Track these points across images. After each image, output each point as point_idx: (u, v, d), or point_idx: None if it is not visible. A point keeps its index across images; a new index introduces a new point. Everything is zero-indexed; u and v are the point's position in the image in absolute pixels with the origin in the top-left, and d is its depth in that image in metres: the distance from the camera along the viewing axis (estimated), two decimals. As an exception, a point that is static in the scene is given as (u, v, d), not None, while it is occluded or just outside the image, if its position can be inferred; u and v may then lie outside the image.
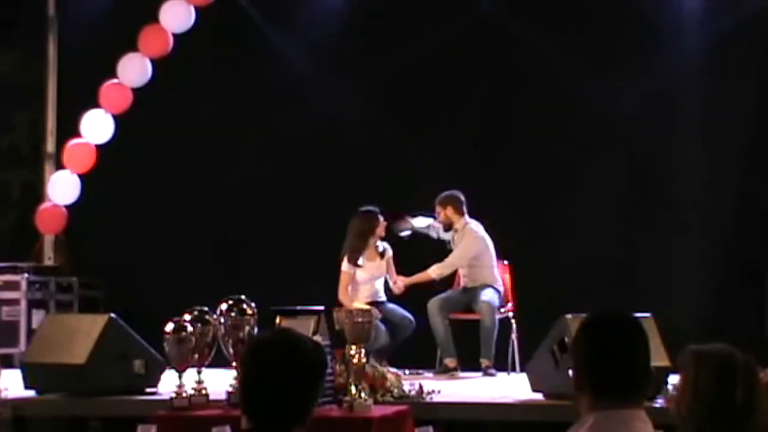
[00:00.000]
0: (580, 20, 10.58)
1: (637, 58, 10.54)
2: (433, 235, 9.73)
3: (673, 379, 5.95)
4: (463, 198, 9.55)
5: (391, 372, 6.91)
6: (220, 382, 6.28)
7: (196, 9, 10.87)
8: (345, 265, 9.37)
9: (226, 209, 11.18)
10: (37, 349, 7.59)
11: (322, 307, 6.13)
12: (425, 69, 10.70)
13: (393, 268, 9.46)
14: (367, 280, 9.40)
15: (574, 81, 10.55)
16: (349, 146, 10.86)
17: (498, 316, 9.34)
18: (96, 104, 10.89)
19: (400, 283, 9.41)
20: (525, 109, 10.68)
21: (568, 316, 6.82)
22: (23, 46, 11.72)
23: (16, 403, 7.02)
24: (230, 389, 6.16)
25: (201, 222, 11.12)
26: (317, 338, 5.62)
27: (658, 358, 6.33)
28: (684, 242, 10.42)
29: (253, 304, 6.14)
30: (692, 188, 10.48)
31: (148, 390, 7.28)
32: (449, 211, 9.55)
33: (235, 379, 6.05)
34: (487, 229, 9.53)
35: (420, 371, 9.00)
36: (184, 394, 6.15)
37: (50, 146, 11.59)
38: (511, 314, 9.56)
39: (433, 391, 7.00)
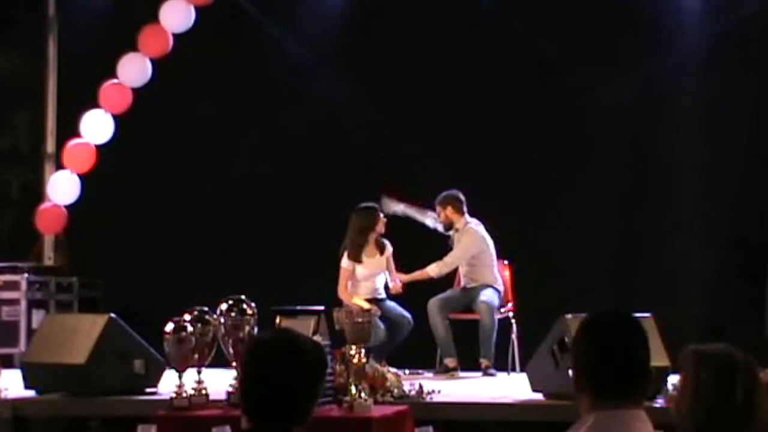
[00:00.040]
0: (580, 20, 10.58)
1: (637, 57, 10.54)
2: (429, 223, 9.72)
3: (673, 379, 5.96)
4: (462, 198, 9.55)
5: (391, 372, 6.91)
6: (220, 382, 6.28)
7: (196, 9, 10.87)
8: (344, 261, 9.37)
9: (226, 209, 11.19)
10: (37, 349, 7.59)
11: (322, 307, 6.13)
12: (425, 68, 10.70)
13: (392, 266, 9.46)
14: (367, 276, 9.40)
15: (574, 81, 10.56)
16: (349, 146, 10.86)
17: (498, 316, 9.34)
18: (96, 104, 10.89)
19: (398, 282, 9.41)
20: (525, 109, 10.68)
21: (568, 316, 6.82)
22: (23, 46, 11.72)
23: (16, 403, 7.02)
24: (230, 389, 6.16)
25: (201, 222, 11.12)
26: (317, 338, 5.62)
27: (658, 358, 6.34)
28: (684, 242, 10.42)
29: (253, 304, 6.14)
30: (692, 188, 10.48)
31: (148, 390, 7.28)
32: (449, 210, 9.55)
33: (235, 379, 6.05)
34: (487, 229, 9.53)
35: (420, 371, 9.00)
36: (184, 394, 6.15)
37: (50, 146, 11.59)
38: (511, 314, 9.56)
39: (433, 391, 7.00)
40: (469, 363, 9.21)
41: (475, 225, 9.53)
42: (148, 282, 10.74)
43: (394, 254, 9.46)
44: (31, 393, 7.33)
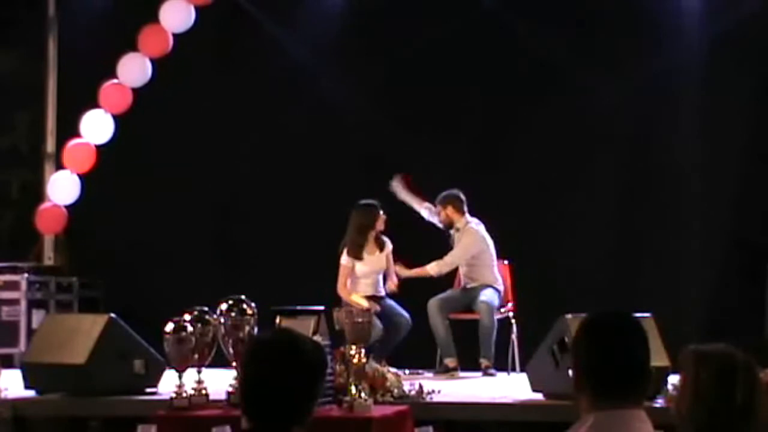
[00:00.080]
0: (580, 20, 10.58)
1: (637, 57, 10.54)
2: (425, 215, 9.72)
3: (673, 379, 5.96)
4: (463, 197, 9.56)
5: (391, 372, 6.91)
6: (220, 382, 6.28)
7: (196, 9, 10.87)
8: (344, 258, 9.37)
9: (226, 209, 11.19)
10: (37, 349, 7.59)
11: (322, 307, 6.13)
12: (425, 68, 10.71)
13: (392, 263, 9.46)
14: (367, 273, 9.40)
15: (574, 80, 10.56)
16: (349, 146, 10.86)
17: (498, 316, 9.34)
18: (96, 104, 10.89)
19: (396, 281, 9.40)
20: (525, 109, 10.67)
21: (568, 316, 6.82)
22: (23, 46, 11.72)
23: (16, 403, 7.02)
24: (230, 389, 6.16)
25: (201, 222, 11.12)
26: (317, 338, 5.62)
27: (658, 358, 6.34)
28: (684, 242, 10.42)
29: (253, 304, 6.14)
30: (692, 188, 10.48)
31: (148, 390, 7.29)
32: (449, 210, 9.56)
33: (235, 379, 6.05)
34: (487, 229, 9.54)
35: (420, 371, 9.00)
36: (184, 394, 6.14)
37: (50, 146, 11.60)
38: (511, 314, 9.56)
39: (433, 391, 7.00)
40: (469, 363, 9.21)
41: (476, 225, 9.53)
42: (148, 282, 10.74)
43: (394, 252, 9.46)
44: (31, 393, 7.33)
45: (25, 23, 11.69)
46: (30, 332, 10.02)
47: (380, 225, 9.40)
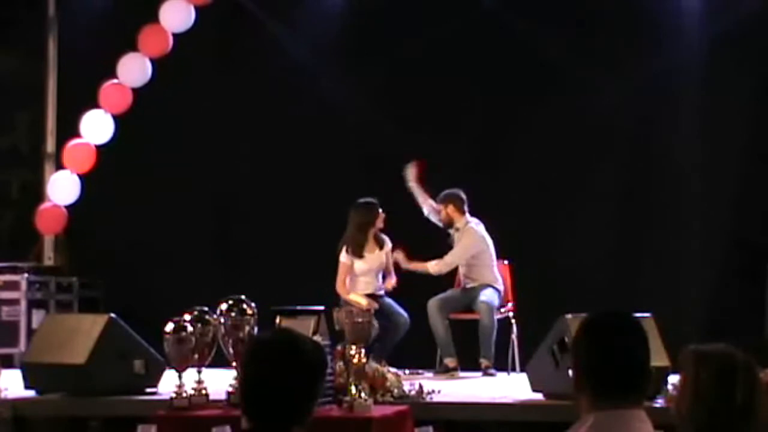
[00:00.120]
0: (580, 19, 10.58)
1: (637, 57, 10.54)
2: (425, 210, 9.72)
3: (673, 379, 5.96)
4: (464, 197, 9.56)
5: (391, 372, 6.91)
6: (220, 382, 6.28)
7: (196, 9, 10.87)
8: (343, 256, 9.38)
9: (226, 209, 11.19)
10: (37, 349, 7.59)
11: (322, 307, 6.13)
12: (425, 68, 10.70)
13: (391, 262, 9.46)
14: (366, 272, 9.40)
15: (574, 80, 10.56)
16: (349, 146, 10.87)
17: (498, 316, 9.34)
18: (96, 104, 10.89)
19: (394, 279, 9.39)
20: (525, 109, 10.67)
21: (568, 316, 6.82)
22: (23, 46, 11.72)
23: (16, 403, 7.03)
24: (230, 389, 6.16)
25: (201, 222, 11.12)
26: (317, 338, 5.62)
27: (658, 358, 6.34)
28: (684, 242, 10.42)
29: (253, 304, 6.14)
30: (692, 188, 10.48)
31: (148, 390, 7.29)
32: (450, 209, 9.56)
33: (235, 379, 6.05)
34: (487, 229, 9.54)
35: (420, 371, 9.00)
36: (184, 394, 6.14)
37: (50, 146, 11.60)
38: (511, 314, 9.56)
39: (433, 391, 7.00)
40: (469, 363, 9.21)
41: (476, 225, 9.53)
42: (148, 282, 10.74)
43: (394, 243, 9.46)
44: (31, 393, 7.33)
45: (25, 23, 11.69)
46: (30, 332, 10.03)
47: (380, 223, 9.41)
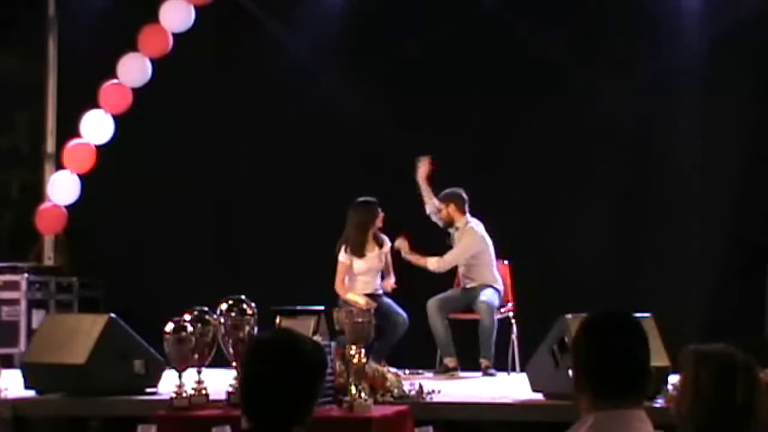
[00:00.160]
0: (580, 19, 10.58)
1: (637, 57, 10.54)
2: (427, 209, 9.71)
3: (673, 379, 5.96)
4: (465, 197, 9.56)
5: (391, 372, 6.91)
6: (220, 382, 6.28)
7: (196, 9, 10.87)
8: (342, 256, 9.37)
9: (226, 209, 11.19)
10: (37, 349, 7.59)
11: (322, 307, 6.13)
12: (425, 68, 10.70)
13: (390, 261, 9.45)
14: (365, 271, 9.40)
15: (574, 80, 10.56)
16: (349, 145, 10.87)
17: (498, 316, 9.34)
18: (96, 104, 10.89)
19: (393, 279, 9.39)
20: (525, 109, 10.67)
21: (568, 316, 6.82)
22: (23, 46, 11.72)
23: (16, 403, 7.03)
24: (230, 389, 6.16)
25: (201, 222, 11.12)
26: (317, 338, 5.63)
27: (658, 358, 6.34)
28: (684, 242, 10.42)
29: (253, 304, 6.14)
30: (692, 188, 10.48)
31: (148, 390, 7.28)
32: (451, 208, 9.56)
33: (235, 379, 6.05)
34: (487, 229, 9.54)
35: (420, 371, 8.99)
36: (184, 394, 6.14)
37: (50, 146, 11.60)
38: (511, 314, 9.56)
39: (433, 391, 7.00)
40: (469, 363, 9.21)
41: (476, 225, 9.53)
42: (148, 282, 10.74)
43: (392, 251, 9.46)
44: (31, 393, 7.33)
45: (25, 23, 11.69)
46: (30, 332, 10.02)
47: (379, 222, 9.41)
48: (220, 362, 6.28)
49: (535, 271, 10.08)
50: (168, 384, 6.74)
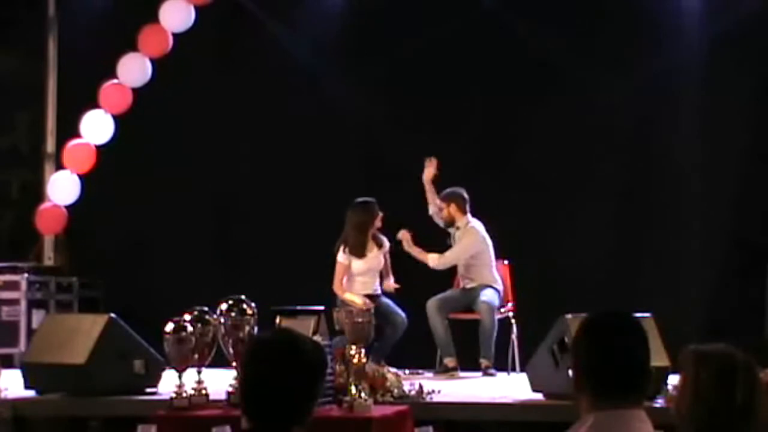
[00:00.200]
0: (580, 19, 10.58)
1: (637, 57, 10.54)
2: (430, 210, 9.70)
3: (673, 379, 5.96)
4: (466, 196, 9.56)
5: (391, 372, 6.91)
6: (220, 382, 6.28)
7: (196, 9, 10.87)
8: (341, 256, 9.37)
9: (226, 209, 11.19)
10: (37, 349, 7.59)
11: (322, 307, 6.13)
12: (425, 68, 10.70)
13: (389, 262, 9.45)
14: (363, 271, 9.39)
15: (574, 80, 10.56)
16: (349, 146, 10.87)
17: (498, 316, 9.34)
18: (96, 104, 10.89)
19: (392, 279, 9.39)
20: (525, 108, 10.67)
21: (568, 316, 6.82)
22: (23, 46, 11.72)
23: (16, 403, 7.03)
24: (230, 389, 6.16)
25: (201, 222, 11.12)
26: (317, 338, 5.63)
27: (658, 358, 6.34)
28: (684, 242, 10.42)
29: (253, 304, 6.14)
30: (692, 188, 10.48)
31: (148, 390, 7.28)
32: (452, 208, 9.56)
33: (235, 379, 6.05)
34: (487, 229, 9.54)
35: (420, 371, 9.00)
36: (184, 394, 6.15)
37: (50, 146, 11.60)
38: (511, 314, 9.56)
39: (433, 391, 7.00)
40: (469, 363, 9.21)
41: (476, 225, 9.53)
42: (148, 282, 10.74)
43: (392, 250, 9.46)
44: (31, 393, 7.33)
45: (25, 23, 11.69)
46: (30, 332, 10.02)
47: (378, 222, 9.41)
48: (220, 362, 6.28)
49: (535, 271, 10.08)
50: (168, 384, 6.73)
